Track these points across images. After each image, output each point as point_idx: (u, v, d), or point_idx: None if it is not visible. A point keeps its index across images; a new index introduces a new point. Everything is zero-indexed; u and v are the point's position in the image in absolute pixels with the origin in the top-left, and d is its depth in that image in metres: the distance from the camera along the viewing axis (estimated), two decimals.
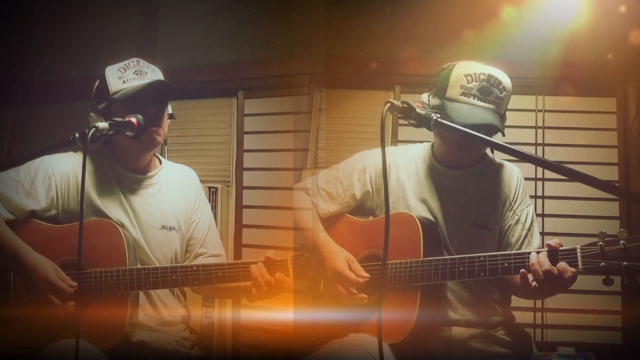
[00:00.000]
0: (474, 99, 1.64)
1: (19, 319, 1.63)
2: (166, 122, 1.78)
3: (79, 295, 1.59)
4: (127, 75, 1.72)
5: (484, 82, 1.65)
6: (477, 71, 1.66)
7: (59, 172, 1.73)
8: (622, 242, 1.40)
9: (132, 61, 1.77)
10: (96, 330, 1.59)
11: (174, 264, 1.75)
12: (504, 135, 1.67)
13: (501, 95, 1.66)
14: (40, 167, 1.72)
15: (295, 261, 1.65)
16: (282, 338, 2.69)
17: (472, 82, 1.65)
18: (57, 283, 1.57)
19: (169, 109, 1.82)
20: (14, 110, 3.37)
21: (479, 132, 1.59)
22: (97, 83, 1.76)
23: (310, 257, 1.67)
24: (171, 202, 1.82)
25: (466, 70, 1.67)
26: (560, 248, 1.47)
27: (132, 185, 1.78)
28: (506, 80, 1.68)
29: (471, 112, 1.62)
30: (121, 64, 1.76)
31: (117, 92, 1.70)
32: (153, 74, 1.77)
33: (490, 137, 1.64)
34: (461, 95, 1.65)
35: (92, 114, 1.73)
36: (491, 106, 1.64)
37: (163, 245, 1.77)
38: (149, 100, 1.70)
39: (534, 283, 1.48)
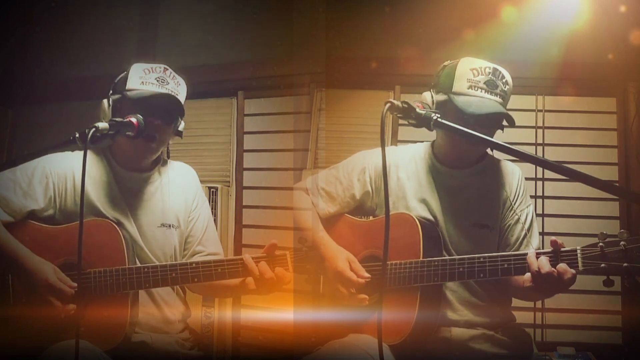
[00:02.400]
0: (481, 91, 1.65)
1: (18, 319, 1.62)
2: (169, 135, 1.78)
3: (79, 296, 1.58)
4: (148, 78, 1.71)
5: (490, 76, 1.66)
6: (482, 65, 1.68)
7: (56, 172, 1.73)
8: (622, 243, 1.39)
9: (160, 67, 1.75)
10: (97, 330, 1.59)
11: (173, 262, 1.75)
12: (514, 124, 1.67)
13: (505, 89, 1.68)
14: (38, 167, 1.72)
15: (294, 255, 1.64)
16: (282, 338, 2.69)
17: (478, 75, 1.66)
18: (56, 285, 1.57)
19: (181, 126, 1.81)
20: (14, 110, 3.37)
21: (485, 124, 1.62)
22: (122, 74, 1.75)
23: (308, 250, 1.66)
24: (170, 200, 1.82)
25: (472, 65, 1.68)
26: (561, 249, 1.47)
27: (130, 184, 1.78)
28: (508, 75, 1.70)
29: (481, 103, 1.63)
30: (148, 65, 1.75)
31: (132, 90, 1.69)
32: (175, 86, 1.76)
33: (497, 128, 1.69)
34: (469, 88, 1.65)
35: (104, 101, 1.72)
36: (498, 99, 1.66)
37: (162, 243, 1.77)
38: (155, 110, 1.69)
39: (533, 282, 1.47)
